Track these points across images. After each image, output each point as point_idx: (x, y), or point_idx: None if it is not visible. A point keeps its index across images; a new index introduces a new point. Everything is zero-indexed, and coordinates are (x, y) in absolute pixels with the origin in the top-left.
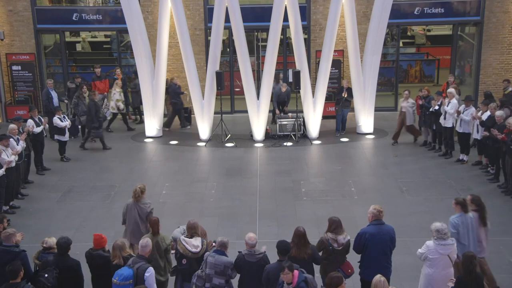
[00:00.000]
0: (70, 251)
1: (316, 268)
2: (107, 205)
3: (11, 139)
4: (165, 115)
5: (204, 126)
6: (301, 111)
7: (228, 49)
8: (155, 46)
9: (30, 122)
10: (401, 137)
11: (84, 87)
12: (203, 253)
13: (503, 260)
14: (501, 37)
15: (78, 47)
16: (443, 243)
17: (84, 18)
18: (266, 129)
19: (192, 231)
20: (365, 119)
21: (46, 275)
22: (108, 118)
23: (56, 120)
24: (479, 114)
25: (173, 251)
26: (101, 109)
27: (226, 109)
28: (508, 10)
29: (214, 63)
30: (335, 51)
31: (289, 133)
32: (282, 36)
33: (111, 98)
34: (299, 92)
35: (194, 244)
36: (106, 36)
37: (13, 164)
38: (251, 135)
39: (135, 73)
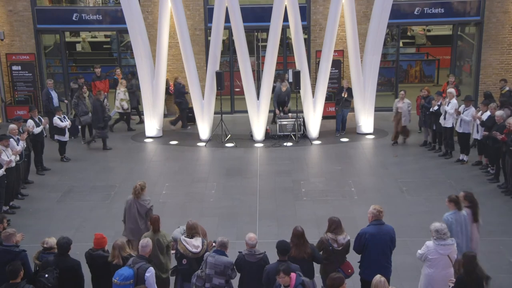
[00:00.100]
0: (70, 251)
1: (316, 268)
2: (107, 205)
3: (11, 139)
4: (165, 115)
5: (204, 126)
6: (301, 111)
7: (228, 49)
8: (155, 46)
9: (30, 122)
10: (400, 137)
11: (84, 87)
12: (203, 253)
13: (503, 260)
14: (501, 37)
15: (78, 47)
16: (442, 243)
17: (84, 18)
18: (266, 129)
19: (192, 231)
20: (365, 119)
21: (46, 275)
22: (113, 117)
23: (56, 120)
24: (479, 114)
25: (173, 251)
26: (107, 109)
27: (226, 109)
28: (508, 10)
29: (214, 63)
30: (335, 51)
31: (289, 133)
32: (282, 36)
33: (116, 98)
34: (299, 92)
35: (195, 244)
36: (106, 36)
37: (13, 164)
38: (251, 135)
39: (132, 73)
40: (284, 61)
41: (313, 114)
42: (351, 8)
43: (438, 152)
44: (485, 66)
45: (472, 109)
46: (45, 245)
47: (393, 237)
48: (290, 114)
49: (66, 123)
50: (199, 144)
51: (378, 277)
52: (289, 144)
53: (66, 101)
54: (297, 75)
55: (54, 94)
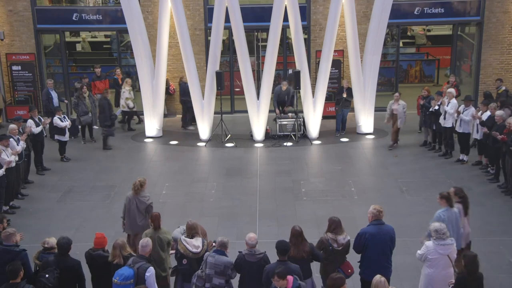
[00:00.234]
0: (70, 251)
1: (316, 268)
2: (107, 205)
3: (11, 139)
4: (165, 115)
5: (204, 126)
6: (301, 111)
7: (228, 49)
8: (155, 46)
9: (30, 122)
10: (401, 137)
11: (84, 87)
12: (203, 253)
13: (503, 260)
14: (501, 37)
15: (78, 47)
16: (442, 243)
17: (84, 18)
18: (266, 129)
19: (192, 231)
20: (365, 119)
21: (47, 275)
22: (119, 116)
23: (56, 120)
24: (479, 114)
25: (173, 251)
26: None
27: (226, 109)
28: (508, 10)
29: (214, 63)
30: (335, 51)
31: (289, 133)
32: (282, 36)
33: (121, 97)
34: (299, 92)
35: (195, 244)
36: (106, 36)
37: (13, 164)
38: (251, 135)
39: (128, 73)
40: (284, 61)
41: (313, 114)
42: (351, 8)
43: (438, 152)
44: (485, 66)
45: (472, 109)
46: (45, 245)
47: (393, 237)
48: (290, 114)
49: (66, 123)
50: (199, 144)
51: (378, 277)
52: (289, 144)
53: (66, 101)
54: (297, 75)
55: (54, 94)
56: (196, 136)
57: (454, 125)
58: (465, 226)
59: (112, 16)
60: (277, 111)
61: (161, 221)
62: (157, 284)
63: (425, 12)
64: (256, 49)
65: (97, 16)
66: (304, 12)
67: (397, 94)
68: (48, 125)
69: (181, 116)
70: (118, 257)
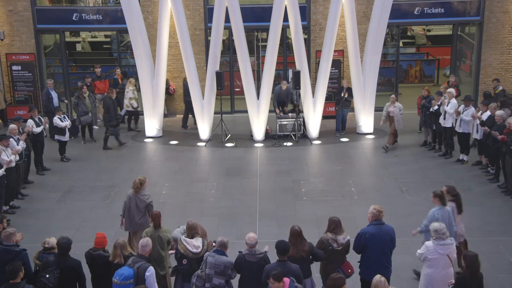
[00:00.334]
0: (70, 251)
1: (316, 268)
2: (107, 205)
3: (11, 139)
4: (165, 115)
5: (204, 126)
6: (301, 111)
7: (228, 49)
8: (155, 46)
9: (30, 122)
10: (401, 137)
11: (84, 87)
12: (203, 253)
13: (503, 260)
14: (501, 37)
15: (78, 47)
16: (442, 243)
17: (84, 18)
18: (266, 129)
19: (192, 231)
20: (365, 119)
21: (47, 275)
22: (123, 115)
23: (56, 120)
24: (478, 114)
25: (173, 251)
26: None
27: (226, 109)
28: (508, 10)
29: (214, 63)
30: (335, 51)
31: (289, 133)
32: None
33: (125, 96)
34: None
35: (195, 244)
36: (106, 36)
37: (13, 164)
38: (251, 135)
39: (124, 73)
40: (284, 61)
41: (313, 114)
42: (351, 8)
43: (438, 152)
44: (485, 66)
45: (471, 109)
46: (46, 245)
47: (393, 237)
48: (290, 114)
49: (66, 123)
50: (199, 144)
51: (378, 277)
52: (289, 144)
53: (66, 101)
54: (297, 75)
55: (54, 94)
56: (196, 136)
57: (454, 125)
58: (458, 224)
59: (112, 16)
60: (277, 111)
61: (162, 220)
62: (157, 283)
63: (425, 12)
64: (256, 49)
65: (97, 16)
66: (304, 12)
67: (393, 96)
68: (48, 125)
69: (182, 116)
70: (119, 257)
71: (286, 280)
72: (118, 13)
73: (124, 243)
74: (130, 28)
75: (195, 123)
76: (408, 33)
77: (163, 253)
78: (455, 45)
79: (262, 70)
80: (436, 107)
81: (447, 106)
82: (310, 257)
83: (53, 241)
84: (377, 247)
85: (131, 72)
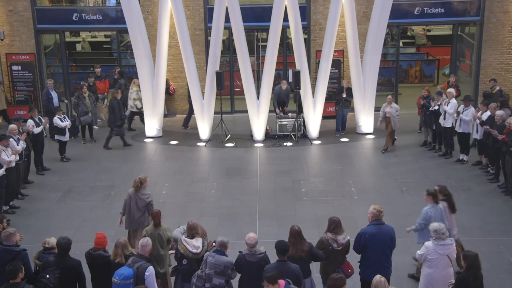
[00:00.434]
0: (70, 251)
1: (316, 268)
2: (107, 205)
3: (11, 139)
4: (165, 115)
5: (204, 126)
6: (298, 112)
7: (228, 49)
8: (155, 46)
9: (30, 122)
10: (400, 137)
11: (84, 87)
12: (203, 253)
13: (503, 260)
14: (501, 37)
15: (78, 47)
16: (442, 243)
17: (84, 18)
18: (266, 129)
19: (192, 231)
20: (365, 119)
21: (47, 275)
22: (127, 116)
23: (56, 120)
24: (478, 114)
25: (173, 251)
26: (123, 108)
27: (226, 109)
28: (508, 10)
29: (214, 63)
30: (335, 51)
31: (289, 133)
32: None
33: (129, 97)
34: (298, 92)
35: (195, 244)
36: (106, 36)
37: (13, 164)
38: (251, 135)
39: (120, 72)
40: (284, 61)
41: (313, 114)
42: (351, 8)
43: (438, 152)
44: (485, 66)
45: (471, 109)
46: (46, 245)
47: (393, 237)
48: (290, 114)
49: (66, 123)
50: (199, 144)
51: (378, 277)
52: (289, 144)
53: (66, 101)
54: (297, 75)
55: (54, 94)
56: (196, 136)
57: (454, 125)
58: (453, 224)
59: (112, 16)
60: (277, 110)
61: (162, 219)
62: (156, 280)
63: (425, 12)
64: (256, 49)
65: (97, 16)
66: (304, 12)
67: (389, 96)
68: (48, 125)
69: (182, 115)
70: (120, 256)
71: (282, 282)
72: (118, 13)
73: (125, 243)
74: (130, 28)
75: (183, 125)
76: (408, 33)
77: (163, 252)
78: (455, 45)
79: (262, 70)
80: (436, 107)
81: (446, 106)
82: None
83: (53, 241)
84: (377, 247)
85: (131, 72)
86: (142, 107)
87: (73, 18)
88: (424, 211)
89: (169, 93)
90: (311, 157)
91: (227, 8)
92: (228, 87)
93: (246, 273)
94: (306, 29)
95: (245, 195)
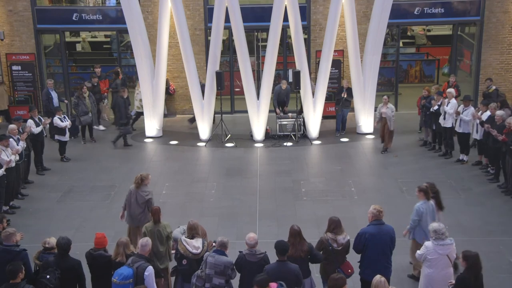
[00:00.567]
0: (70, 251)
1: (316, 268)
2: (107, 205)
3: (11, 139)
4: (165, 115)
5: (204, 126)
6: (300, 111)
7: (228, 49)
8: (155, 46)
9: (30, 122)
10: (399, 138)
11: (84, 87)
12: (203, 254)
13: (503, 260)
14: (501, 37)
15: (78, 47)
16: (441, 243)
17: (84, 18)
18: (266, 129)
19: (192, 231)
20: (365, 119)
21: (48, 276)
22: (133, 116)
23: (56, 120)
24: (478, 114)
25: (173, 251)
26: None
27: (226, 109)
28: (508, 10)
29: (214, 63)
30: (335, 51)
31: (289, 133)
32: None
33: (135, 98)
34: (299, 92)
35: (195, 245)
36: (106, 36)
37: (13, 164)
38: (251, 135)
39: (116, 72)
40: (284, 61)
41: (313, 114)
42: (351, 8)
43: (438, 152)
44: (485, 66)
45: (471, 109)
46: (46, 245)
47: (393, 237)
48: (290, 114)
49: (67, 123)
50: (199, 144)
51: (378, 277)
52: (289, 144)
53: (66, 101)
54: (297, 75)
55: (54, 94)
56: (196, 136)
57: (454, 125)
58: (441, 221)
59: (112, 16)
60: (277, 110)
61: (161, 215)
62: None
63: (425, 12)
64: (256, 49)
65: (97, 16)
66: (304, 12)
67: (385, 97)
68: (48, 125)
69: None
70: (121, 255)
71: (273, 285)
72: (118, 13)
73: (127, 242)
74: (130, 28)
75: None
76: (408, 33)
77: (162, 248)
78: (455, 45)
79: (262, 70)
80: (436, 107)
81: (446, 106)
82: (309, 257)
83: (53, 241)
84: (377, 247)
85: (131, 72)
86: None
87: (73, 18)
88: (416, 207)
89: (169, 93)
90: (311, 157)
91: (227, 8)
92: (228, 87)
93: (246, 273)
94: (306, 29)
95: (245, 195)
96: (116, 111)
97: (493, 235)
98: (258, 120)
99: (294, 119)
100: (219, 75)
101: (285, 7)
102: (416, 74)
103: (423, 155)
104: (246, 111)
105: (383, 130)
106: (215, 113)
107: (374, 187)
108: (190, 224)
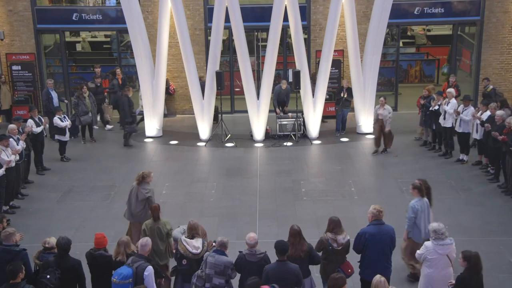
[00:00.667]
0: (70, 251)
1: (316, 268)
2: (107, 205)
3: (11, 139)
4: (165, 115)
5: (204, 126)
6: (301, 111)
7: (228, 49)
8: (155, 46)
9: (30, 122)
10: (399, 138)
11: (84, 87)
12: (203, 254)
13: (503, 260)
14: (501, 37)
15: (78, 47)
16: (441, 243)
17: (84, 18)
18: (266, 129)
19: (193, 231)
20: (365, 119)
21: (48, 276)
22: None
23: (56, 120)
24: (478, 114)
25: (174, 251)
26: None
27: (226, 109)
28: (508, 10)
29: (214, 63)
30: (335, 51)
31: (289, 133)
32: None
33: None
34: (299, 92)
35: (195, 245)
36: (106, 36)
37: (13, 164)
38: (251, 135)
39: (112, 73)
40: (284, 61)
41: (313, 114)
42: (351, 8)
43: (438, 152)
44: (485, 66)
45: (471, 109)
46: (46, 245)
47: (393, 237)
48: (290, 114)
49: (67, 123)
50: (199, 144)
51: (378, 277)
52: (289, 144)
53: (66, 101)
54: (297, 75)
55: (54, 94)
56: (196, 136)
57: (454, 125)
58: (431, 218)
59: (112, 16)
60: (277, 110)
61: (161, 212)
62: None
63: (425, 12)
64: (256, 49)
65: (97, 16)
66: (304, 12)
67: (382, 98)
68: (48, 125)
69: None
70: (121, 255)
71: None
72: (118, 13)
73: (128, 241)
74: (130, 28)
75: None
76: (408, 33)
77: (162, 245)
78: (454, 45)
79: (262, 70)
80: (436, 107)
81: (446, 106)
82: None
83: (53, 241)
84: (377, 247)
85: (131, 72)
86: None
87: (73, 18)
88: (412, 205)
89: (169, 93)
90: (311, 157)
91: (227, 8)
92: (228, 87)
93: (246, 273)
94: (306, 29)
95: (245, 195)
96: (121, 110)
97: (493, 235)
98: (258, 120)
99: (294, 119)
100: (219, 75)
101: (285, 7)
102: (416, 74)
103: (423, 155)
104: (246, 111)
105: (380, 132)
106: (217, 112)
107: (374, 187)
108: (190, 224)
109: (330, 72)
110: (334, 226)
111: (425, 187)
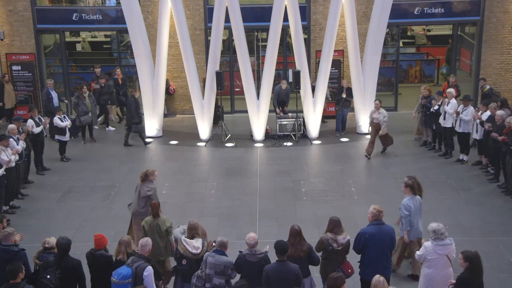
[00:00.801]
0: (70, 251)
1: (316, 268)
2: (107, 205)
3: (11, 139)
4: (165, 115)
5: (204, 126)
6: (301, 111)
7: (228, 49)
8: (155, 46)
9: (30, 122)
10: (399, 138)
11: (84, 87)
12: (203, 254)
13: (503, 260)
14: (501, 37)
15: (78, 47)
16: (441, 243)
17: (84, 18)
18: (266, 129)
19: (193, 231)
20: (365, 119)
21: (48, 276)
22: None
23: (56, 120)
24: (478, 114)
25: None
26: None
27: (226, 109)
28: (508, 10)
29: (214, 63)
30: (335, 51)
31: (289, 133)
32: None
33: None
34: (299, 92)
35: (195, 245)
36: (106, 36)
37: (13, 164)
38: (251, 135)
39: (108, 74)
40: (284, 61)
41: (313, 114)
42: (351, 8)
43: (438, 152)
44: (485, 66)
45: (471, 109)
46: (46, 245)
47: (393, 237)
48: (290, 114)
49: (67, 123)
50: (199, 144)
51: (377, 277)
52: (289, 144)
53: (66, 101)
54: (297, 75)
55: (54, 94)
56: (196, 136)
57: (454, 125)
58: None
59: (112, 16)
60: (277, 110)
61: (161, 210)
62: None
63: (425, 12)
64: (256, 49)
65: (97, 16)
66: (304, 12)
67: (377, 102)
68: (48, 125)
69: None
70: (122, 254)
71: None
72: (118, 13)
73: (129, 241)
74: (130, 28)
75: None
76: (408, 33)
77: (161, 242)
78: (454, 45)
79: (262, 70)
80: (436, 107)
81: (447, 106)
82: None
83: (53, 241)
84: (377, 247)
85: (131, 72)
86: None
87: (73, 18)
88: (404, 203)
89: (169, 93)
90: (311, 157)
91: (227, 8)
92: (228, 87)
93: (246, 273)
94: (306, 29)
95: (245, 195)
96: (127, 111)
97: (493, 235)
98: (258, 120)
99: (294, 119)
100: (219, 75)
101: (285, 7)
102: (416, 74)
103: (423, 155)
104: (246, 111)
105: (375, 135)
106: (220, 113)
107: (374, 187)
108: (190, 224)
109: (330, 72)
110: (334, 226)
111: (416, 184)
